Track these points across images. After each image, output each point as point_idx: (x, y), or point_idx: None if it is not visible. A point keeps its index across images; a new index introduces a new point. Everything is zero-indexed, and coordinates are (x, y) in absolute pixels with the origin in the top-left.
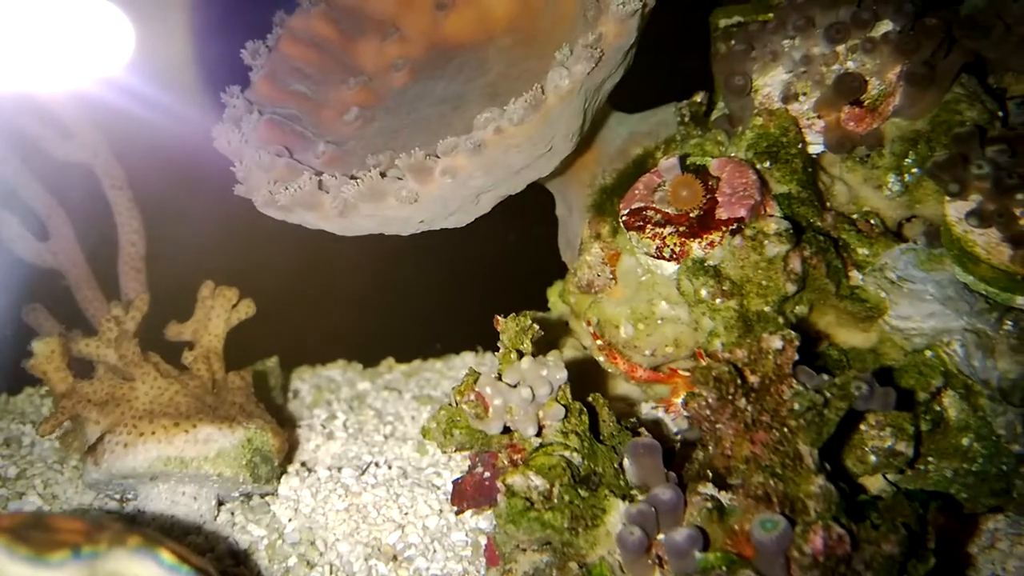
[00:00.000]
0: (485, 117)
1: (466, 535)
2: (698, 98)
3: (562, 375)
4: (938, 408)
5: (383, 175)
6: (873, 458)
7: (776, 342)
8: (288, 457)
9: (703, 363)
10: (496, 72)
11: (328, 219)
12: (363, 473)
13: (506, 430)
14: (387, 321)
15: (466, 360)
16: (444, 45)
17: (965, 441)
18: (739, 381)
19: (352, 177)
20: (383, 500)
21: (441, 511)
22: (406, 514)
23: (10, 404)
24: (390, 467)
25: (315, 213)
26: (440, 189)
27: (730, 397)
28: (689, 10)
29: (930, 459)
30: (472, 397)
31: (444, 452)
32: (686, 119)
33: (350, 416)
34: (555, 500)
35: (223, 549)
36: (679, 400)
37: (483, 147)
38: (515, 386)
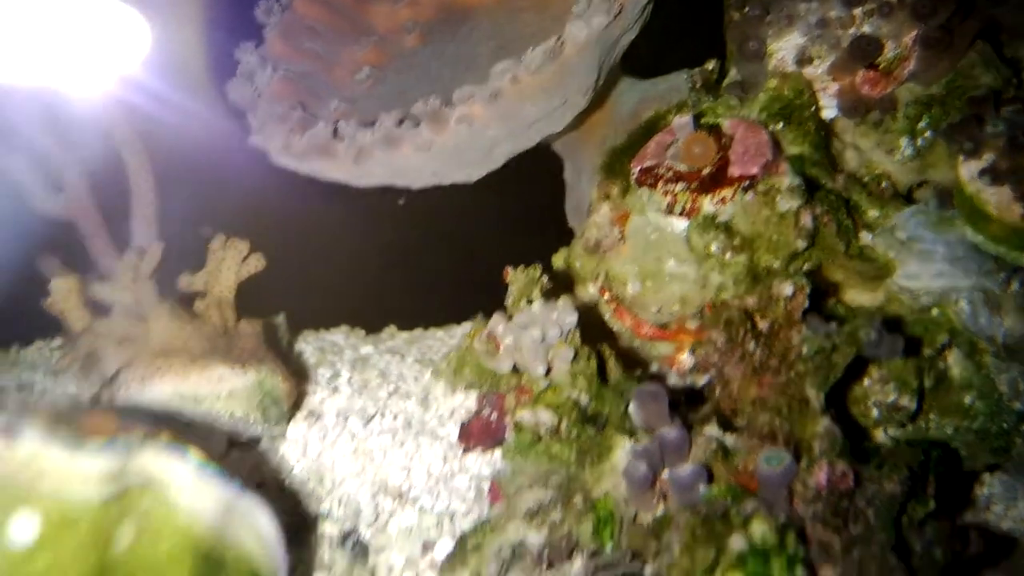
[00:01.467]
0: (502, 67)
1: (470, 480)
2: (710, 66)
3: (572, 318)
4: (942, 365)
5: (400, 123)
6: (875, 412)
7: (787, 288)
8: (295, 405)
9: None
10: (508, 35)
11: (342, 167)
12: (369, 422)
13: (515, 373)
14: (389, 289)
15: (468, 329)
16: (456, 8)
17: (967, 399)
18: (749, 325)
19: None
20: (389, 446)
21: (445, 458)
22: (411, 459)
23: (22, 355)
24: (395, 418)
25: (329, 161)
26: (455, 138)
27: (739, 340)
28: None
29: (931, 416)
30: (484, 336)
31: (453, 390)
32: (697, 85)
33: (354, 374)
34: (563, 434)
35: None
36: (684, 356)
37: (499, 96)
38: (526, 328)
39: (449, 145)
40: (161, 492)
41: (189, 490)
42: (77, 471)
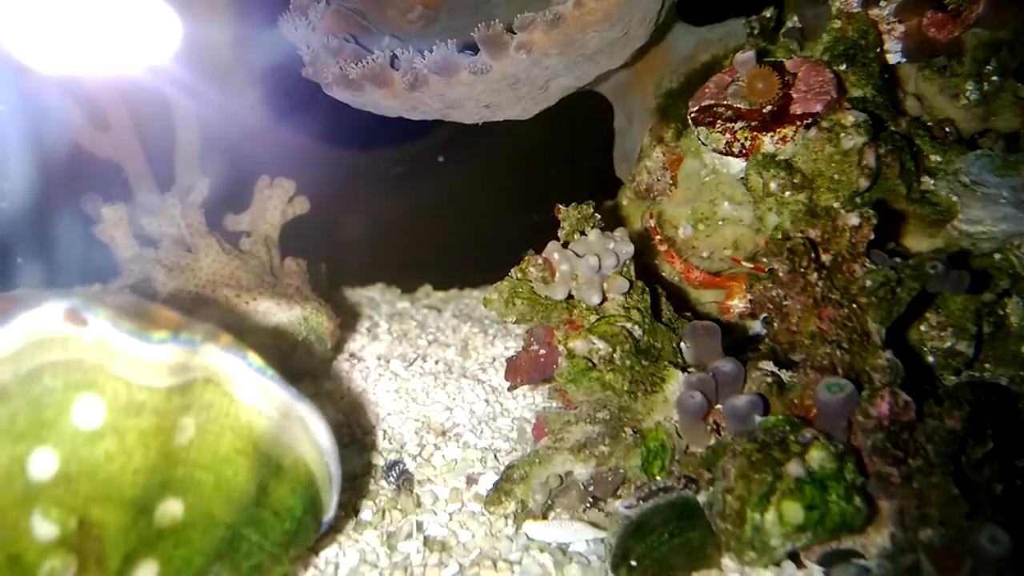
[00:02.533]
0: None
1: (512, 421)
2: (768, 13)
3: (629, 249)
4: (1001, 312)
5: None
6: (931, 359)
7: (853, 218)
8: (337, 348)
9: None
10: None
11: (397, 95)
12: (411, 365)
13: (567, 306)
14: (425, 250)
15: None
16: None
17: None
18: (812, 255)
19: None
20: (431, 387)
21: (487, 401)
22: (454, 399)
23: None
24: (436, 363)
25: (385, 89)
26: (514, 65)
27: (802, 270)
28: None
29: (987, 364)
30: (539, 261)
31: (504, 321)
32: (755, 32)
33: (392, 324)
34: (616, 363)
35: None
36: (734, 302)
37: (561, 21)
38: (583, 255)
39: (507, 72)
40: (224, 387)
41: (250, 389)
42: (144, 358)
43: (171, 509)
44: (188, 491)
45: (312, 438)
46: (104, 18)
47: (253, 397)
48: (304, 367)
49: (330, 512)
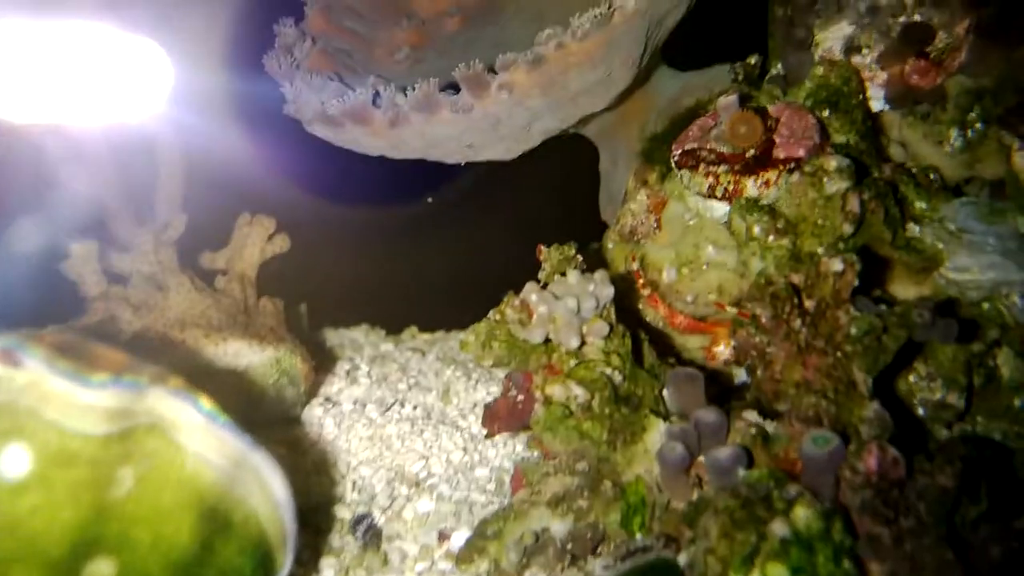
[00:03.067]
0: (547, 33)
1: (491, 471)
2: (752, 60)
3: (609, 291)
4: (992, 363)
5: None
6: (921, 411)
7: (837, 264)
8: (312, 391)
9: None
10: (553, 21)
11: (378, 133)
12: (387, 410)
13: (546, 349)
14: (412, 291)
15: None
16: None
17: (1017, 402)
18: (796, 300)
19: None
20: (407, 433)
21: (466, 449)
22: (430, 447)
23: None
24: (415, 408)
25: (365, 127)
26: (496, 105)
27: (785, 316)
28: None
29: (979, 418)
30: (517, 303)
31: (481, 365)
32: (739, 78)
33: (373, 368)
34: (595, 411)
35: None
36: (719, 349)
37: (543, 62)
38: (561, 298)
39: (489, 112)
40: (169, 435)
41: (198, 437)
42: (80, 403)
43: (101, 570)
44: (122, 550)
45: (266, 490)
46: (96, 65)
47: (201, 445)
48: (274, 412)
49: (283, 572)
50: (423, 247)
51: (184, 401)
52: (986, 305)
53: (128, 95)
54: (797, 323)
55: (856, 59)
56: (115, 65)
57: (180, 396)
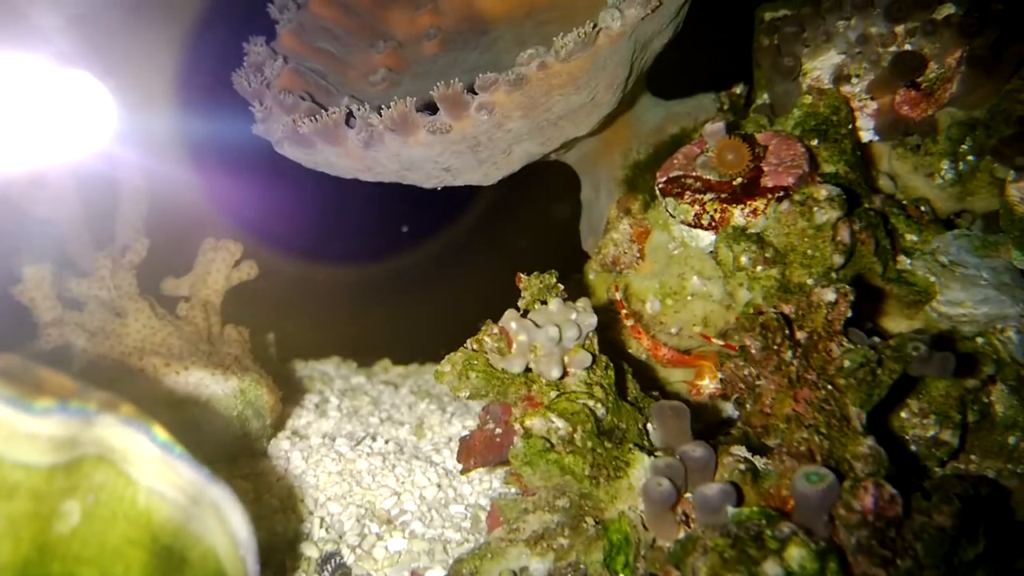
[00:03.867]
0: (530, 53)
1: (466, 508)
2: (738, 89)
3: (592, 320)
4: (986, 400)
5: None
6: (914, 448)
7: (829, 295)
8: (279, 424)
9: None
10: (532, 46)
11: (351, 154)
12: (358, 444)
13: (525, 380)
14: (385, 322)
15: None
16: (479, 18)
17: (1012, 440)
18: (787, 331)
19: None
20: (378, 468)
21: (440, 485)
22: (402, 483)
23: None
24: (387, 442)
25: (338, 147)
26: (475, 126)
27: (776, 348)
28: (728, 9)
29: (972, 456)
30: (496, 331)
31: (457, 396)
32: (725, 108)
33: (344, 401)
34: (577, 444)
35: None
36: (704, 382)
37: (525, 83)
38: (542, 326)
39: (468, 133)
40: (119, 467)
41: (152, 469)
42: (21, 431)
43: None
44: None
45: (226, 527)
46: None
47: (155, 478)
48: (238, 445)
49: None
50: (397, 277)
51: (136, 430)
52: (980, 339)
53: (67, 132)
54: (788, 355)
55: (845, 88)
56: (52, 101)
57: (132, 425)
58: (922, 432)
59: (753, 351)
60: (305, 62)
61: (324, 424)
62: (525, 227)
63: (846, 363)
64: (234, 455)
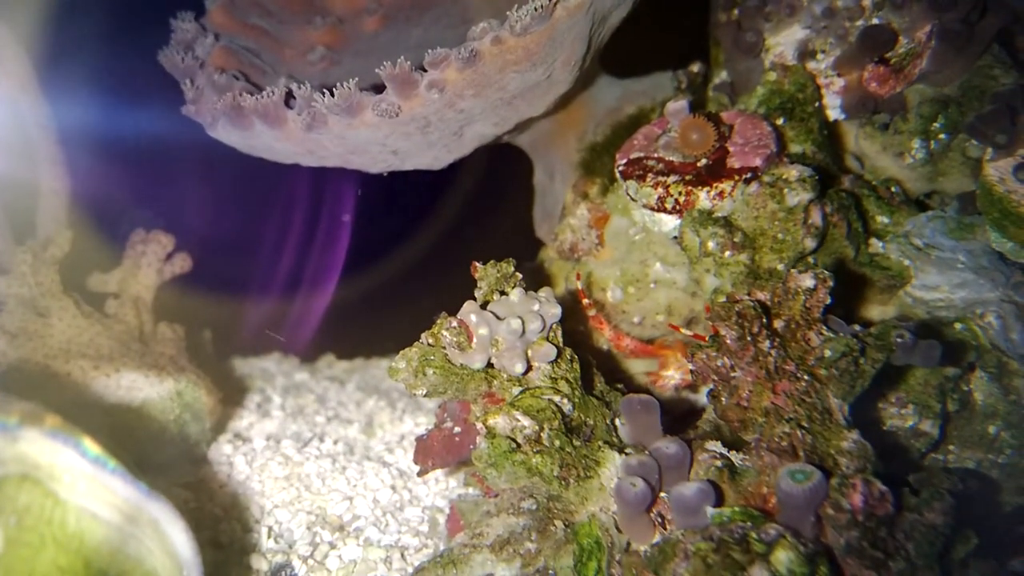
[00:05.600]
0: (483, 27)
1: (423, 511)
2: (695, 67)
3: (556, 311)
4: (965, 388)
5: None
6: (892, 440)
7: (807, 280)
8: (219, 427)
9: (721, 301)
10: (479, 21)
11: (292, 137)
12: (305, 445)
13: (486, 376)
14: (328, 315)
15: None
16: None
17: (992, 429)
18: (763, 320)
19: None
20: (328, 471)
21: (394, 487)
22: (354, 486)
23: None
24: (336, 443)
25: (278, 130)
26: (425, 106)
27: (752, 337)
28: None
29: (951, 447)
30: (454, 324)
31: (413, 394)
32: (683, 87)
33: (287, 399)
34: (544, 444)
35: None
36: (669, 373)
37: (478, 58)
38: (504, 318)
39: (417, 114)
40: (46, 485)
41: (83, 488)
42: None
43: None
44: None
45: (167, 547)
46: None
47: (87, 497)
48: (176, 451)
49: None
50: (338, 268)
51: (64, 444)
52: (959, 325)
53: None
54: (765, 345)
55: (811, 65)
56: None
57: (59, 438)
58: (901, 422)
59: (728, 341)
60: (237, 40)
61: (267, 425)
62: (475, 213)
63: (827, 353)
64: (172, 462)
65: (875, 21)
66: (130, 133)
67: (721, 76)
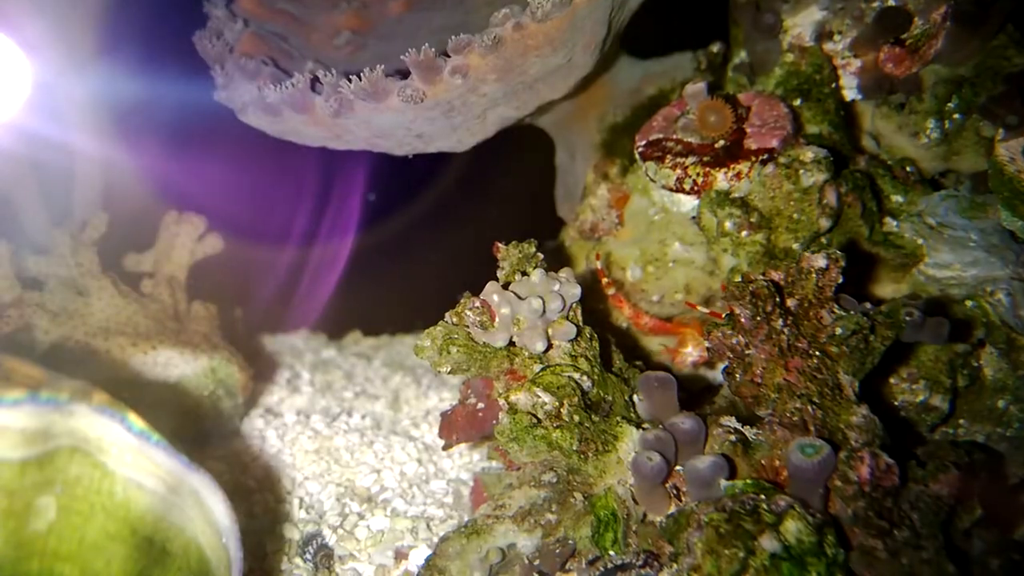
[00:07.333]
0: (504, 13)
1: (447, 484)
2: (715, 48)
3: (575, 291)
4: (975, 364)
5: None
6: (903, 415)
7: (820, 260)
8: (251, 401)
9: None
10: (502, 4)
11: (320, 122)
12: (334, 420)
13: (508, 354)
14: (355, 293)
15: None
16: None
17: (1001, 403)
18: (777, 299)
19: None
20: (356, 445)
21: (420, 460)
22: (382, 459)
23: None
24: (363, 417)
25: (306, 115)
26: (448, 91)
27: (766, 316)
28: None
29: (961, 421)
30: (477, 304)
31: (437, 372)
32: (702, 67)
33: (316, 376)
34: (564, 419)
35: None
36: (687, 350)
37: (500, 44)
38: (525, 298)
39: (441, 99)
40: (95, 458)
41: (129, 459)
42: None
43: None
44: None
45: (207, 515)
46: None
47: (132, 468)
48: (210, 426)
49: None
50: (365, 247)
51: (111, 419)
52: (969, 303)
53: None
54: (779, 323)
55: (828, 46)
56: None
57: (106, 414)
58: (912, 397)
59: (743, 319)
60: (266, 25)
61: (297, 400)
62: (498, 194)
63: (838, 330)
64: (207, 436)
65: (891, 2)
66: (163, 116)
67: (741, 56)
